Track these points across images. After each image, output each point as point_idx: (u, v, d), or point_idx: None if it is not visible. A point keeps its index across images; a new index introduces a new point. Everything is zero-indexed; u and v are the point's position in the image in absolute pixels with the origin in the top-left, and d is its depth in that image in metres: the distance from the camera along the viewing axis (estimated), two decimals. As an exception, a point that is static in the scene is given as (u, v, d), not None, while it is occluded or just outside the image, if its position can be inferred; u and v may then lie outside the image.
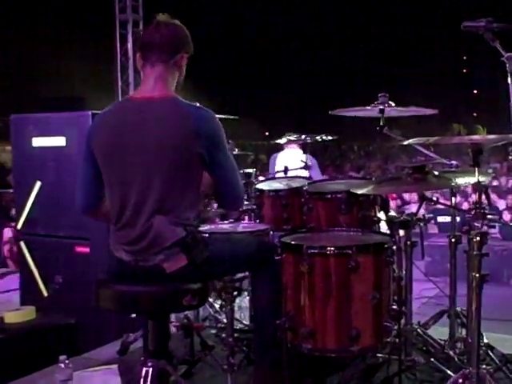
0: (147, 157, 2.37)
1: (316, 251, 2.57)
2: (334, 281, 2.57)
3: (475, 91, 28.19)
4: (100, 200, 2.58)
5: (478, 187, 2.38)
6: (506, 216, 8.54)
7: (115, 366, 3.28)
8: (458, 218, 4.66)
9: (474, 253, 2.38)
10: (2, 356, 3.45)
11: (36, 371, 3.31)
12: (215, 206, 3.55)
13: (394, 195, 9.13)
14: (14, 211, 7.23)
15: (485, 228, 2.39)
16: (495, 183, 10.74)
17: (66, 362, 2.89)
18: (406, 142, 2.38)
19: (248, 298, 3.77)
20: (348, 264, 2.53)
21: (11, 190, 7.83)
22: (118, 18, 9.66)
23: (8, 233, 7.99)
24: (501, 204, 9.31)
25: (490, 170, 11.53)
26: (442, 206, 9.17)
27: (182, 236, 2.37)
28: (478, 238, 2.39)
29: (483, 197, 2.44)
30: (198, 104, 2.48)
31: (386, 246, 2.64)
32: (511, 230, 8.38)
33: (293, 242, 2.71)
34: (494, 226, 9.13)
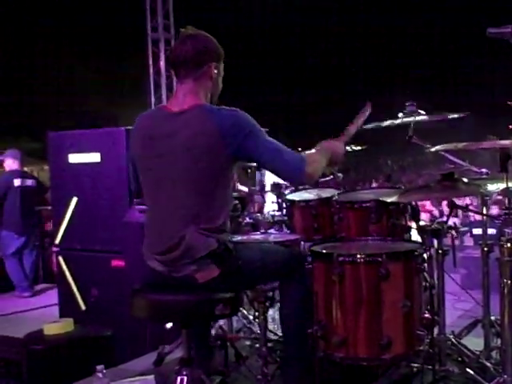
0: (176, 165, 2.43)
1: (346, 259, 2.59)
2: (364, 289, 2.58)
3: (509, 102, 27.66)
4: None
5: (507, 193, 2.37)
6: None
7: (151, 377, 3.34)
8: (492, 230, 4.62)
9: (505, 259, 2.37)
10: (41, 366, 3.54)
11: (73, 382, 3.37)
12: (247, 218, 3.60)
13: (428, 207, 9.06)
14: (50, 227, 7.41)
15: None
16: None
17: (104, 371, 2.94)
18: (433, 149, 2.40)
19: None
20: (378, 272, 2.55)
21: (49, 208, 8.03)
22: (150, 36, 9.86)
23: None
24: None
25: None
26: (477, 218, 9.11)
27: (214, 247, 2.42)
28: (508, 244, 2.39)
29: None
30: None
31: (416, 253, 2.65)
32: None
33: (323, 251, 2.74)
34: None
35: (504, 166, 2.35)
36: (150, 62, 10.09)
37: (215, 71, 2.57)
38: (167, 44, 9.86)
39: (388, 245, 2.86)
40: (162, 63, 9.78)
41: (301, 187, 3.46)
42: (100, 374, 2.94)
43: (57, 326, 3.76)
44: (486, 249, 3.22)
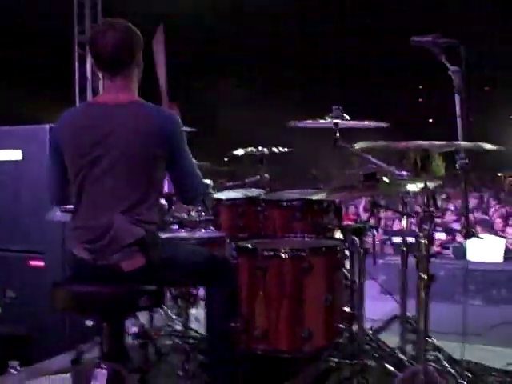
0: (111, 157, 2.41)
1: (271, 253, 2.63)
2: (287, 282, 2.64)
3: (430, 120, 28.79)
4: (70, 195, 2.62)
5: (426, 191, 2.48)
6: (460, 237, 8.76)
7: (68, 375, 3.25)
8: (412, 239, 4.79)
9: (423, 254, 2.48)
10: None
11: (-14, 381, 3.24)
12: (173, 217, 3.59)
13: (351, 216, 9.32)
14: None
15: (437, 235, 2.49)
16: (450, 207, 11.03)
17: (18, 367, 2.85)
18: (357, 146, 2.48)
19: (204, 310, 3.79)
20: (301, 266, 2.60)
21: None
22: (76, 38, 9.68)
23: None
24: (456, 225, 9.57)
25: (444, 196, 11.80)
26: (396, 227, 9.46)
27: (142, 235, 2.40)
28: (425, 240, 2.49)
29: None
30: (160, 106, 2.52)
31: (338, 248, 2.72)
32: (463, 249, 8.61)
33: (248, 246, 2.77)
34: (447, 248, 9.41)
35: (424, 165, 2.46)
36: (76, 65, 9.87)
37: (141, 57, 2.56)
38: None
39: (312, 241, 2.92)
40: (88, 66, 9.60)
41: (228, 185, 3.49)
42: (13, 370, 2.86)
43: (-31, 325, 3.60)
44: (404, 249, 3.35)
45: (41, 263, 4.41)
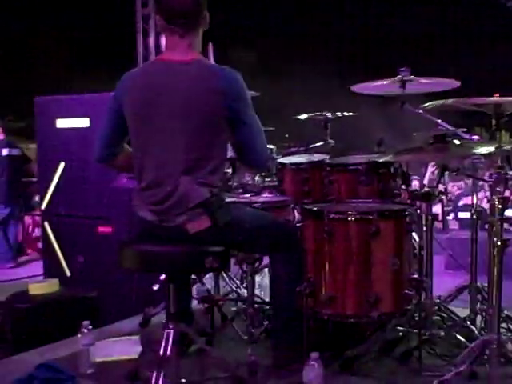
0: (175, 117, 2.40)
1: (337, 216, 2.59)
2: (354, 246, 2.59)
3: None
4: (115, 155, 2.66)
5: (501, 152, 2.38)
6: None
7: (137, 337, 3.33)
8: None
9: (496, 217, 2.38)
10: (26, 325, 3.52)
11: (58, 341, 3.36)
12: (237, 181, 3.58)
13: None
14: (36, 198, 7.37)
15: (507, 193, 2.38)
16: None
17: (89, 327, 2.93)
18: (426, 104, 2.39)
19: (268, 276, 3.80)
20: (369, 229, 2.55)
21: (34, 179, 7.99)
22: (140, 12, 9.72)
23: (28, 220, 8.12)
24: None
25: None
26: (463, 202, 9.20)
27: (207, 197, 2.40)
28: (499, 204, 2.39)
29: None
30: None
31: (406, 213, 2.65)
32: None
33: (314, 208, 2.73)
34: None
35: (497, 124, 2.35)
36: (140, 38, 9.92)
37: (207, 16, 2.54)
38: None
39: (378, 206, 2.86)
40: (152, 40, 9.65)
41: (292, 151, 3.45)
42: (85, 330, 2.93)
43: (42, 286, 3.74)
44: (475, 216, 3.24)
45: (108, 229, 4.52)
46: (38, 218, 7.41)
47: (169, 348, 2.48)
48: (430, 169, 5.48)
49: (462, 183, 10.25)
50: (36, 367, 2.78)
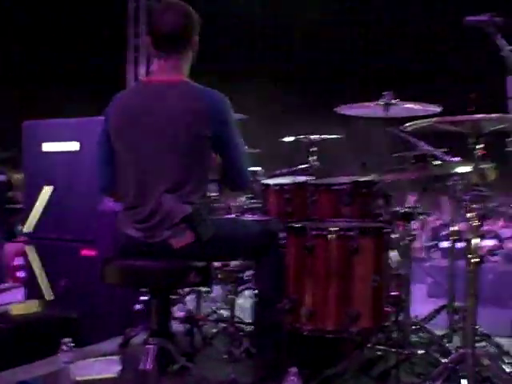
0: (159, 138, 2.46)
1: (318, 233, 2.64)
2: (335, 262, 2.64)
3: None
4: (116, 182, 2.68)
5: (477, 170, 2.45)
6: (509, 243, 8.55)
7: (117, 357, 3.32)
8: (459, 244, 4.72)
9: (471, 236, 2.44)
10: (6, 344, 3.49)
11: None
12: (221, 203, 3.63)
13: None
14: (19, 227, 7.33)
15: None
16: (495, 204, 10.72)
17: (70, 344, 2.92)
18: (407, 127, 2.47)
19: (250, 299, 3.82)
20: (349, 246, 2.60)
21: (18, 207, 7.96)
22: (132, 42, 9.87)
23: (9, 248, 8.05)
24: (505, 232, 9.35)
25: (496, 204, 11.34)
26: (444, 233, 9.31)
27: (190, 212, 2.44)
28: (475, 222, 2.45)
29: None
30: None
31: (385, 230, 2.71)
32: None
33: (296, 225, 2.78)
34: (496, 254, 9.20)
35: (474, 143, 2.43)
36: (132, 68, 10.05)
37: (197, 40, 2.61)
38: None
39: (359, 223, 2.91)
40: (143, 69, 9.79)
41: (277, 173, 3.51)
42: (66, 347, 2.92)
43: (23, 306, 3.74)
44: (453, 238, 3.31)
45: (92, 252, 4.53)
46: (20, 246, 7.35)
47: (150, 363, 2.49)
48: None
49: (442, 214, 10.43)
50: (16, 384, 2.77)
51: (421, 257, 8.63)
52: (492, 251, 9.17)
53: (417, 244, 9.27)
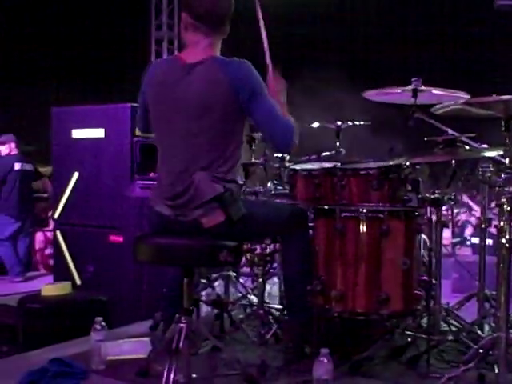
0: (188, 115, 2.50)
1: (349, 215, 2.65)
2: (365, 244, 2.64)
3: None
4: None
5: (509, 154, 2.44)
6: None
7: (147, 339, 3.36)
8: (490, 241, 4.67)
9: (504, 218, 2.42)
10: (38, 325, 3.56)
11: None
12: (249, 188, 3.65)
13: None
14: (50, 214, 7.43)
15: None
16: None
17: (102, 323, 2.97)
18: (437, 107, 2.46)
19: (278, 285, 3.85)
20: (379, 228, 2.61)
21: (45, 195, 8.08)
22: (154, 35, 9.97)
23: (40, 237, 8.18)
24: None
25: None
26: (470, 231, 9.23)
27: (221, 192, 2.47)
28: (507, 204, 2.43)
29: None
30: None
31: (416, 213, 2.71)
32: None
33: (326, 207, 2.79)
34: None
35: (507, 125, 2.42)
36: (153, 59, 10.15)
37: (229, 27, 2.63)
38: (170, 43, 9.99)
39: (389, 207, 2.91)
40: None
41: (304, 159, 3.51)
42: (98, 326, 2.97)
43: (54, 288, 3.80)
44: (483, 225, 3.29)
45: (120, 238, 4.59)
46: (50, 235, 7.46)
47: (181, 342, 2.51)
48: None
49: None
50: (49, 361, 2.82)
51: (446, 252, 8.53)
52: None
53: (444, 240, 9.21)
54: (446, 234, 9.63)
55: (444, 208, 3.19)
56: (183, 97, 2.50)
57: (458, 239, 9.51)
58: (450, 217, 3.20)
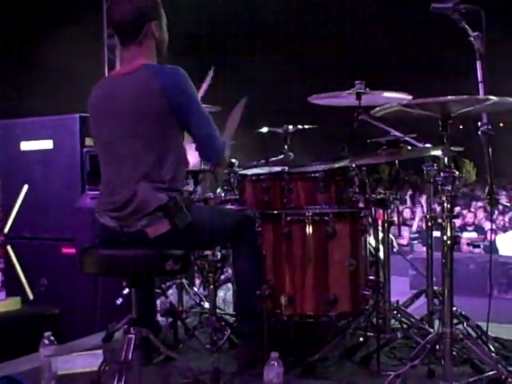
0: (123, 124, 2.49)
1: (295, 218, 2.66)
2: (311, 247, 2.67)
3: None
4: None
5: (447, 153, 2.49)
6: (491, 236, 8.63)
7: (99, 351, 3.31)
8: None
9: (445, 214, 2.47)
10: (-12, 342, 3.48)
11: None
12: (198, 195, 3.64)
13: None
14: None
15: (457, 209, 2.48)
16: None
17: (51, 338, 2.92)
18: (376, 109, 2.50)
19: (232, 291, 3.84)
20: (325, 231, 2.63)
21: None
22: (106, 43, 9.85)
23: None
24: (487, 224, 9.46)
25: (480, 204, 11.16)
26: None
27: (165, 201, 2.45)
28: (447, 203, 2.49)
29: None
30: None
31: (361, 214, 2.74)
32: (495, 246, 8.52)
33: (272, 212, 2.81)
34: (478, 246, 9.29)
35: (444, 127, 2.47)
36: (106, 69, 10.04)
37: (156, 28, 2.61)
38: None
39: (334, 209, 2.95)
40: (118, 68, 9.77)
41: (253, 164, 3.52)
42: (47, 341, 2.92)
43: (3, 304, 3.71)
44: (429, 223, 3.35)
45: (72, 250, 4.52)
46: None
47: (130, 353, 2.49)
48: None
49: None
50: (-2, 379, 2.76)
51: (403, 249, 8.73)
52: (474, 243, 9.28)
53: (400, 239, 9.40)
54: (405, 233, 9.83)
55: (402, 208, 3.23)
56: (118, 105, 2.50)
57: (416, 235, 9.75)
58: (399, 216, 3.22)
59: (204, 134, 2.56)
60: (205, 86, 3.21)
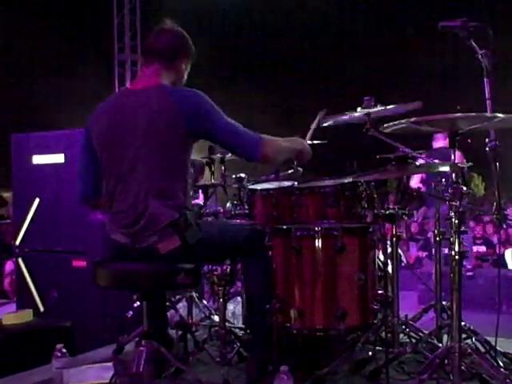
0: (137, 143, 2.51)
1: (304, 233, 2.70)
2: (321, 262, 2.70)
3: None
4: (98, 190, 2.72)
5: (455, 168, 2.52)
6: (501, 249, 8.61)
7: (110, 364, 3.34)
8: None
9: (453, 230, 2.50)
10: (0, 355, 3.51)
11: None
12: (208, 209, 3.68)
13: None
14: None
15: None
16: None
17: (63, 350, 2.95)
18: (386, 125, 2.53)
19: (241, 305, 3.87)
20: (334, 245, 2.66)
21: (8, 221, 7.97)
22: (116, 57, 9.98)
23: (10, 265, 8.04)
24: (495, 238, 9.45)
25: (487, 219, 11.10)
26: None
27: (175, 218, 2.49)
28: (456, 219, 2.51)
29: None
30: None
31: (370, 229, 2.77)
32: (503, 260, 8.51)
33: (282, 227, 2.84)
34: (487, 260, 9.28)
35: (452, 141, 2.50)
36: (116, 83, 10.17)
37: (183, 67, 2.70)
38: (133, 65, 10.01)
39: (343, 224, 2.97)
40: (128, 83, 9.88)
41: (262, 179, 3.55)
42: (59, 353, 2.95)
43: (15, 316, 3.76)
44: (438, 238, 3.37)
45: (83, 263, 4.56)
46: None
47: (141, 366, 2.52)
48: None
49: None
50: (10, 391, 2.79)
51: (412, 264, 8.74)
52: (483, 257, 9.27)
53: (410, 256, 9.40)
54: (413, 249, 9.81)
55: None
56: (131, 124, 2.52)
57: (424, 252, 9.74)
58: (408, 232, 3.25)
59: (233, 142, 2.57)
60: (314, 125, 3.24)
